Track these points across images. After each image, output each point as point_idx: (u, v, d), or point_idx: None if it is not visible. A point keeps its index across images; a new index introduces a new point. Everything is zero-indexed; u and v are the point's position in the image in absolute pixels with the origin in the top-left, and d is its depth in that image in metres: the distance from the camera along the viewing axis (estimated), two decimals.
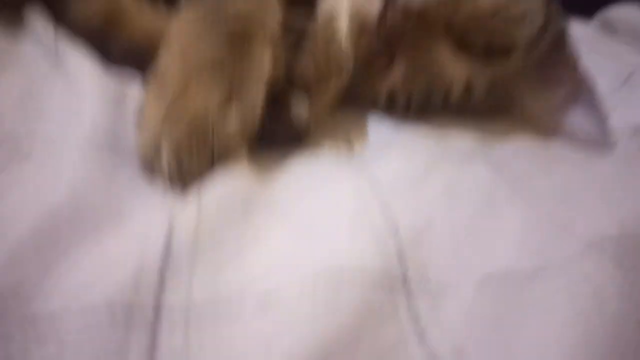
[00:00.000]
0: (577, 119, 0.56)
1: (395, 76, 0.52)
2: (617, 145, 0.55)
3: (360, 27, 0.50)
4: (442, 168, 0.44)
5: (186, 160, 0.37)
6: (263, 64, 0.41)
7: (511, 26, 0.52)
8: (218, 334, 0.28)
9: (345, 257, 0.32)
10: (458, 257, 0.36)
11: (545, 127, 0.57)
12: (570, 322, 0.32)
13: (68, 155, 0.37)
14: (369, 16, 0.50)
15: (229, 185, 0.37)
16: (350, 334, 0.29)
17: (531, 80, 0.56)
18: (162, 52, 0.42)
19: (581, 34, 0.83)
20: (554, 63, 0.57)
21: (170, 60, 0.41)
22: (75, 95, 0.44)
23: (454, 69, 0.52)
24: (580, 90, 0.57)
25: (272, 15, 0.46)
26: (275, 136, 0.44)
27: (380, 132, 0.51)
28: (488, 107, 0.56)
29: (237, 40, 0.42)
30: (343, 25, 0.50)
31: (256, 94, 0.40)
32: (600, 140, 0.55)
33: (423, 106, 0.53)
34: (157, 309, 0.29)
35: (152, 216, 0.34)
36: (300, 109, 0.44)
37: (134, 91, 0.45)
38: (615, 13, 0.87)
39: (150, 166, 0.37)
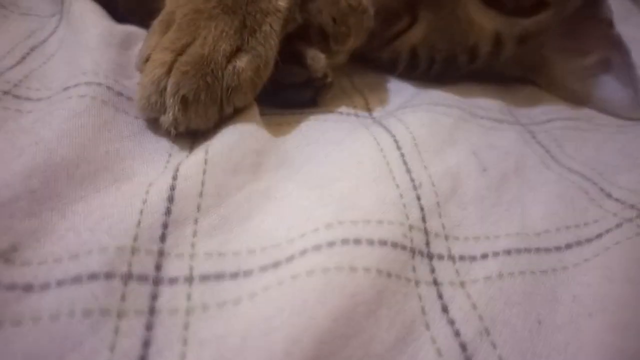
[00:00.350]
0: (609, 86, 0.53)
1: (417, 35, 0.49)
2: None
3: None
4: (468, 131, 0.41)
5: (193, 107, 0.33)
6: (278, 5, 0.37)
7: None
8: (219, 313, 0.25)
9: (363, 224, 0.29)
10: (484, 227, 0.33)
11: (576, 95, 0.54)
12: (606, 301, 0.30)
13: (67, 104, 0.33)
14: None
15: (239, 137, 0.34)
16: (366, 307, 0.26)
17: (562, 42, 0.53)
18: None
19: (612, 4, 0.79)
20: (586, 24, 0.54)
21: (177, 2, 0.37)
22: (78, 41, 0.41)
23: (482, 23, 0.48)
24: (612, 55, 0.53)
25: None
26: (289, 93, 0.40)
27: (401, 94, 0.48)
28: (515, 71, 0.53)
29: None
30: None
31: (269, 40, 0.36)
32: (633, 110, 0.52)
33: (447, 68, 0.50)
34: (157, 281, 0.26)
35: (154, 170, 0.31)
36: (318, 62, 0.40)
37: (140, 38, 0.42)
38: None
39: (153, 114, 0.34)
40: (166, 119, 0.33)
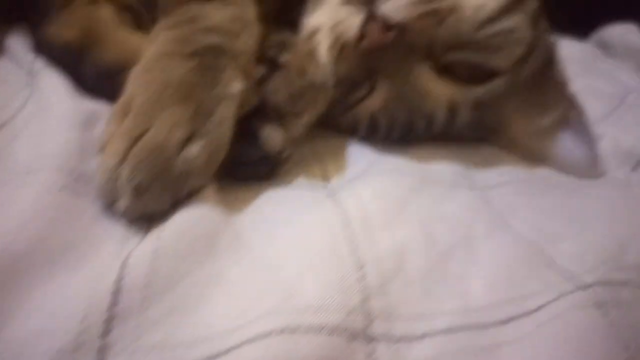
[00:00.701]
0: (566, 145, 0.54)
1: (376, 102, 0.51)
2: (606, 173, 0.54)
3: (340, 43, 0.48)
4: (420, 201, 0.43)
5: (147, 195, 0.35)
6: (233, 91, 0.40)
7: (496, 43, 0.49)
8: None
9: (302, 311, 0.30)
10: (427, 304, 0.34)
11: (533, 154, 0.55)
12: None
13: (27, 190, 0.35)
14: (350, 31, 0.48)
15: (192, 221, 0.35)
16: None
17: (520, 103, 0.54)
18: (130, 76, 0.40)
19: (577, 53, 0.82)
20: (544, 85, 0.55)
21: (136, 86, 0.39)
22: (44, 118, 0.43)
23: (437, 92, 0.50)
24: (569, 114, 0.55)
25: (248, 36, 0.45)
26: (246, 169, 0.42)
27: (360, 161, 0.50)
28: (473, 133, 0.55)
29: (207, 66, 0.40)
30: (324, 42, 0.49)
31: (224, 124, 0.38)
32: (590, 168, 0.54)
33: (406, 133, 0.52)
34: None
35: (106, 257, 0.33)
36: (273, 139, 0.42)
37: (104, 115, 0.44)
38: (611, 33, 0.86)
39: (110, 199, 0.35)
40: (121, 206, 0.35)
